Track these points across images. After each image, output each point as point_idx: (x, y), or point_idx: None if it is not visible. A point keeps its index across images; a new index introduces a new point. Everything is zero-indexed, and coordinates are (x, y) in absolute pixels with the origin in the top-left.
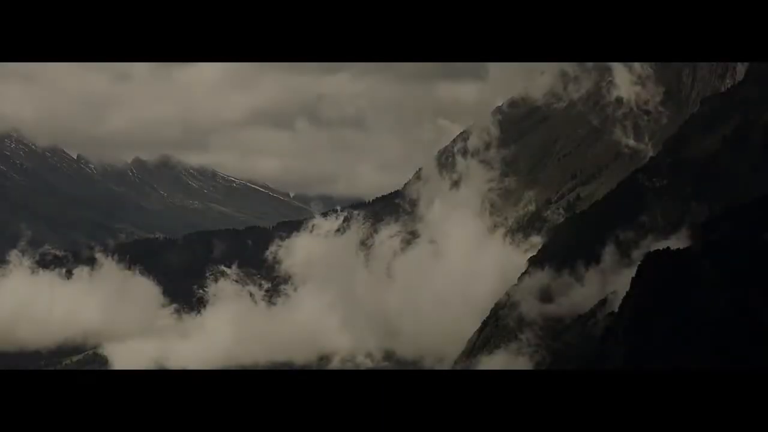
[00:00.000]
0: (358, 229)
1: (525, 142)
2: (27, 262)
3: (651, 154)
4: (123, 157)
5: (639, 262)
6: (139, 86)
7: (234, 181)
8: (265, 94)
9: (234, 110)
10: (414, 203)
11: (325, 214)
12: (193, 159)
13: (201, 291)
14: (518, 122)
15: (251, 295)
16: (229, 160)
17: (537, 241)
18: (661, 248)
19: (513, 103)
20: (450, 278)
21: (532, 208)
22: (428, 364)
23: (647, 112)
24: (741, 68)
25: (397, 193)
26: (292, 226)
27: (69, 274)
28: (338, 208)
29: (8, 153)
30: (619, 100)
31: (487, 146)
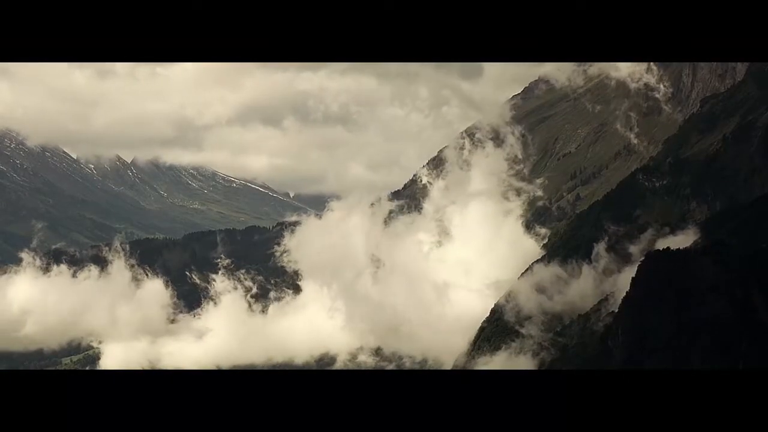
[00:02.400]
0: (361, 224)
1: (526, 139)
2: (38, 262)
3: (651, 153)
4: (120, 157)
5: (639, 262)
6: (123, 83)
7: (234, 181)
8: (252, 90)
9: (221, 107)
10: (420, 197)
11: (338, 197)
12: (187, 158)
13: (201, 291)
14: (521, 119)
15: (251, 294)
16: (222, 159)
17: (543, 232)
18: (661, 248)
19: (516, 97)
20: (457, 270)
21: (537, 193)
22: (431, 361)
23: (650, 99)
24: (741, 68)
25: (399, 192)
26: (293, 226)
27: (73, 274)
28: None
29: (8, 153)
30: (620, 84)
31: (491, 141)
